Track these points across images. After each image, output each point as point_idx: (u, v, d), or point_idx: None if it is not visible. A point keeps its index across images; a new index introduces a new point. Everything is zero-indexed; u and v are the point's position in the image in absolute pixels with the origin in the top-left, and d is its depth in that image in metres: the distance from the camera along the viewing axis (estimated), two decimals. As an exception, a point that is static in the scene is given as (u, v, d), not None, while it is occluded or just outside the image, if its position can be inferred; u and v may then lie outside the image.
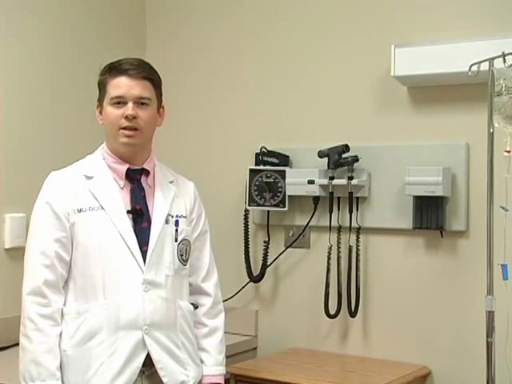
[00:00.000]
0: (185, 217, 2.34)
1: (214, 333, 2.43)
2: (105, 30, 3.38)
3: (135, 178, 2.27)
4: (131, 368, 2.15)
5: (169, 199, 2.31)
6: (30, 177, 3.03)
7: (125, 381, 2.13)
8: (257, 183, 3.12)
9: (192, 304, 2.37)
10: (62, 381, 2.12)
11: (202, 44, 3.42)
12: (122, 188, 2.25)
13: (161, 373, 2.18)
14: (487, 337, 2.39)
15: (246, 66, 3.30)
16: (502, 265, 2.36)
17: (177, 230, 2.29)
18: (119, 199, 2.23)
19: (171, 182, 2.37)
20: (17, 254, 2.97)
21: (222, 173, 3.32)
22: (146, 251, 2.21)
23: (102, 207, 2.20)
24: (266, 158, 3.12)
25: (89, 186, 2.22)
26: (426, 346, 2.85)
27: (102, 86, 2.25)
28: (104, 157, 2.27)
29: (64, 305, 2.17)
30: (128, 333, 2.15)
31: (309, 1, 3.15)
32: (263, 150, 3.14)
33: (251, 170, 3.14)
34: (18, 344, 2.89)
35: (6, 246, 2.94)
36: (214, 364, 2.38)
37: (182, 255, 2.30)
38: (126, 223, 2.21)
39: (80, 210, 2.18)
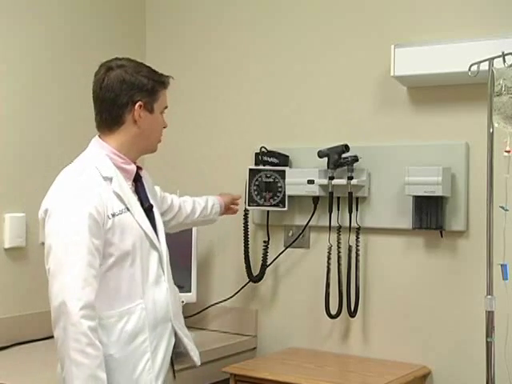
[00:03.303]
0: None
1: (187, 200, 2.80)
2: (105, 30, 3.38)
3: (139, 176, 2.33)
4: (167, 358, 2.26)
5: (150, 192, 2.39)
6: (30, 177, 3.04)
7: (165, 372, 2.24)
8: (256, 183, 3.12)
9: (178, 286, 2.47)
10: None
11: (201, 44, 3.42)
12: (131, 187, 2.30)
13: (191, 353, 2.35)
14: (487, 337, 2.38)
15: (246, 66, 3.31)
16: (501, 265, 2.35)
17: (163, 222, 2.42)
18: (135, 198, 2.28)
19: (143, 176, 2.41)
20: (16, 253, 2.97)
21: (221, 173, 3.32)
22: (161, 246, 2.31)
23: (128, 209, 2.21)
24: (265, 158, 3.12)
25: (111, 188, 2.20)
26: (426, 345, 2.85)
27: (153, 92, 2.27)
28: (111, 157, 2.25)
29: (103, 310, 2.14)
30: (163, 326, 2.25)
31: (308, 1, 3.16)
32: (263, 149, 3.14)
33: (251, 170, 3.14)
34: (17, 344, 2.92)
35: (6, 246, 2.93)
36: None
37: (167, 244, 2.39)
38: (147, 222, 2.27)
39: (113, 215, 2.16)
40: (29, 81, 3.04)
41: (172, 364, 2.34)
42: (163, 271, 2.28)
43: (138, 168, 2.33)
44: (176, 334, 2.30)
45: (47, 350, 2.86)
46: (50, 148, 3.11)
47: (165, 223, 2.51)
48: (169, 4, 3.53)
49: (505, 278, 2.36)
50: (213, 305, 3.25)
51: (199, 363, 2.39)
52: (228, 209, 3.00)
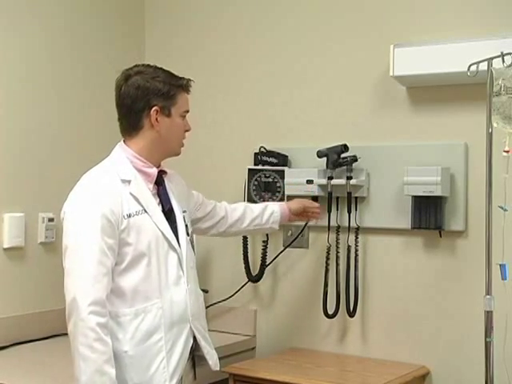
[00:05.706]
0: (185, 211, 2.44)
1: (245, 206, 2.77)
2: (104, 30, 3.38)
3: (161, 180, 2.37)
4: (184, 359, 2.28)
5: (177, 196, 2.42)
6: (29, 177, 3.04)
7: (180, 372, 2.26)
8: (255, 183, 3.12)
9: (202, 290, 2.50)
10: (126, 381, 2.17)
11: (201, 44, 3.42)
12: (152, 190, 2.33)
13: (207, 357, 2.37)
14: (486, 337, 2.38)
15: (246, 66, 3.31)
16: (500, 265, 2.35)
17: (187, 226, 2.41)
18: (154, 201, 2.31)
19: (170, 180, 2.44)
20: (15, 253, 2.98)
21: (220, 172, 3.33)
22: (180, 248, 2.34)
23: (145, 210, 2.26)
24: (264, 158, 3.12)
25: (129, 190, 2.25)
26: (425, 345, 2.85)
27: (171, 96, 2.33)
28: (131, 160, 2.30)
29: (119, 308, 2.19)
30: (180, 326, 2.28)
31: (308, 1, 3.16)
32: (262, 149, 3.14)
33: (250, 170, 3.14)
34: (16, 344, 2.92)
35: (5, 246, 2.93)
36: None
37: (193, 247, 2.45)
38: (166, 224, 2.30)
39: (129, 215, 2.22)
40: (29, 81, 3.04)
41: (194, 366, 2.38)
42: (183, 273, 2.31)
43: (162, 172, 2.38)
44: (194, 337, 2.33)
45: (46, 349, 2.86)
46: (49, 148, 3.11)
47: (203, 230, 2.67)
48: (168, 4, 3.53)
49: (504, 277, 2.36)
50: (212, 305, 3.24)
51: (217, 368, 2.41)
52: (300, 215, 2.86)
